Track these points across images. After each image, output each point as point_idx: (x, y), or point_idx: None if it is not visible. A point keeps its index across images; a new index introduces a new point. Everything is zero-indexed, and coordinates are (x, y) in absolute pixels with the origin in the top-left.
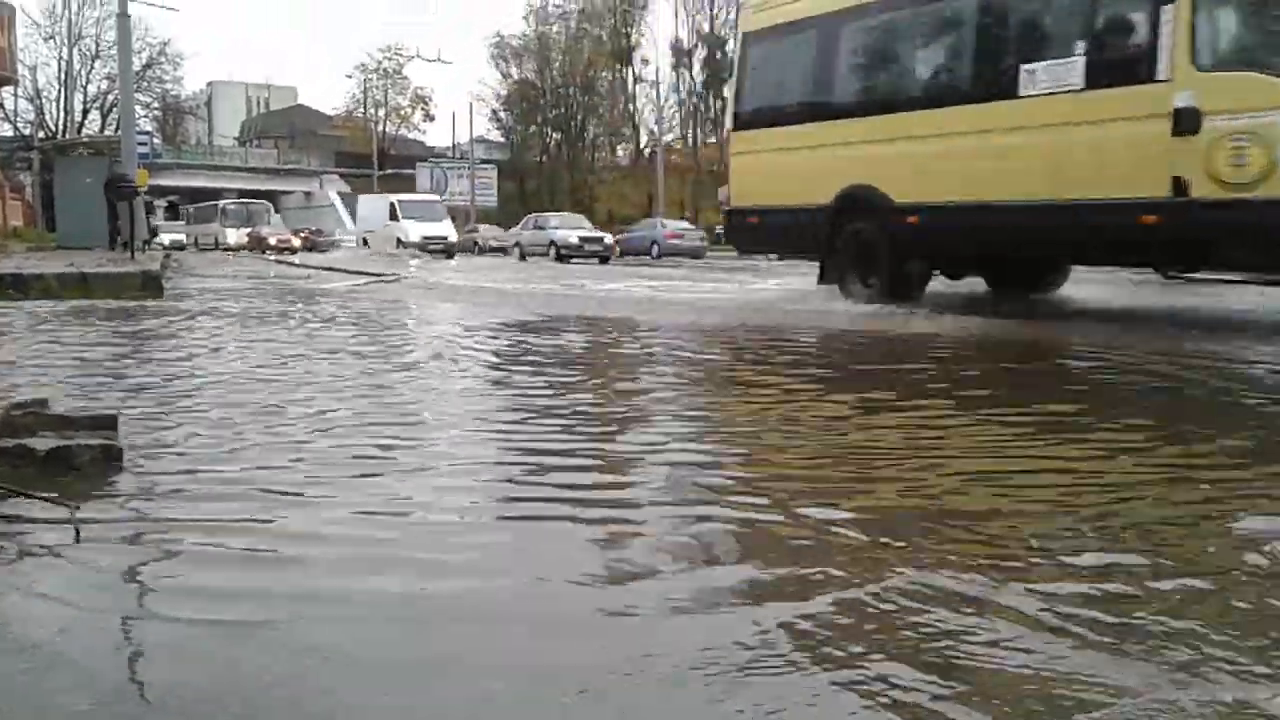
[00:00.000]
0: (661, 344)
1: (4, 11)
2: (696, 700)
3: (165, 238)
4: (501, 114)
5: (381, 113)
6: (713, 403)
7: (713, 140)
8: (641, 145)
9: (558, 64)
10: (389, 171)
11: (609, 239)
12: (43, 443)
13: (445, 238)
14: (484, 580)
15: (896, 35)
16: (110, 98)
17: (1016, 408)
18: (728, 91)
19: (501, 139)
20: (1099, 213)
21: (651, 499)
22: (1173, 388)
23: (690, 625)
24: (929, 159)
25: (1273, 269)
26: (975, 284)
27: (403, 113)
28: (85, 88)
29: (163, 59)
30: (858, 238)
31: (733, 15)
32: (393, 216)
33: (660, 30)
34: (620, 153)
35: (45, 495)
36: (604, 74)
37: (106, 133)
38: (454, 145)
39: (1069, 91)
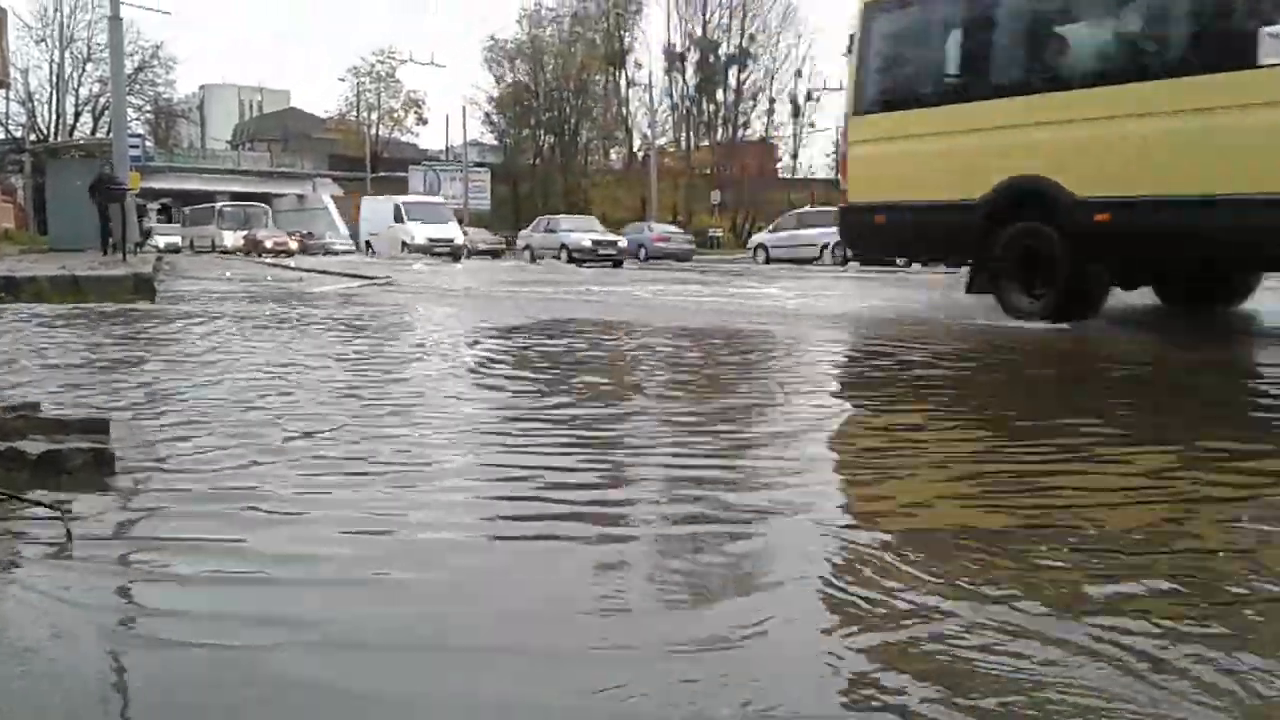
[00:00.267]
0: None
1: None
2: None
3: (160, 240)
4: (495, 117)
5: (374, 116)
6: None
7: (705, 144)
8: (634, 149)
9: (551, 67)
10: (382, 174)
11: (622, 242)
12: (34, 446)
13: (451, 240)
14: (477, 607)
15: None
16: (102, 100)
17: None
18: (846, 69)
19: (495, 142)
20: None
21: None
22: None
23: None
24: (1127, 144)
25: None
26: (1144, 295)
27: (396, 116)
28: (77, 90)
29: (155, 62)
30: (1022, 240)
31: (724, 20)
32: (397, 219)
33: (653, 34)
34: (613, 156)
35: (37, 499)
36: (597, 77)
37: (98, 135)
38: (447, 148)
39: None
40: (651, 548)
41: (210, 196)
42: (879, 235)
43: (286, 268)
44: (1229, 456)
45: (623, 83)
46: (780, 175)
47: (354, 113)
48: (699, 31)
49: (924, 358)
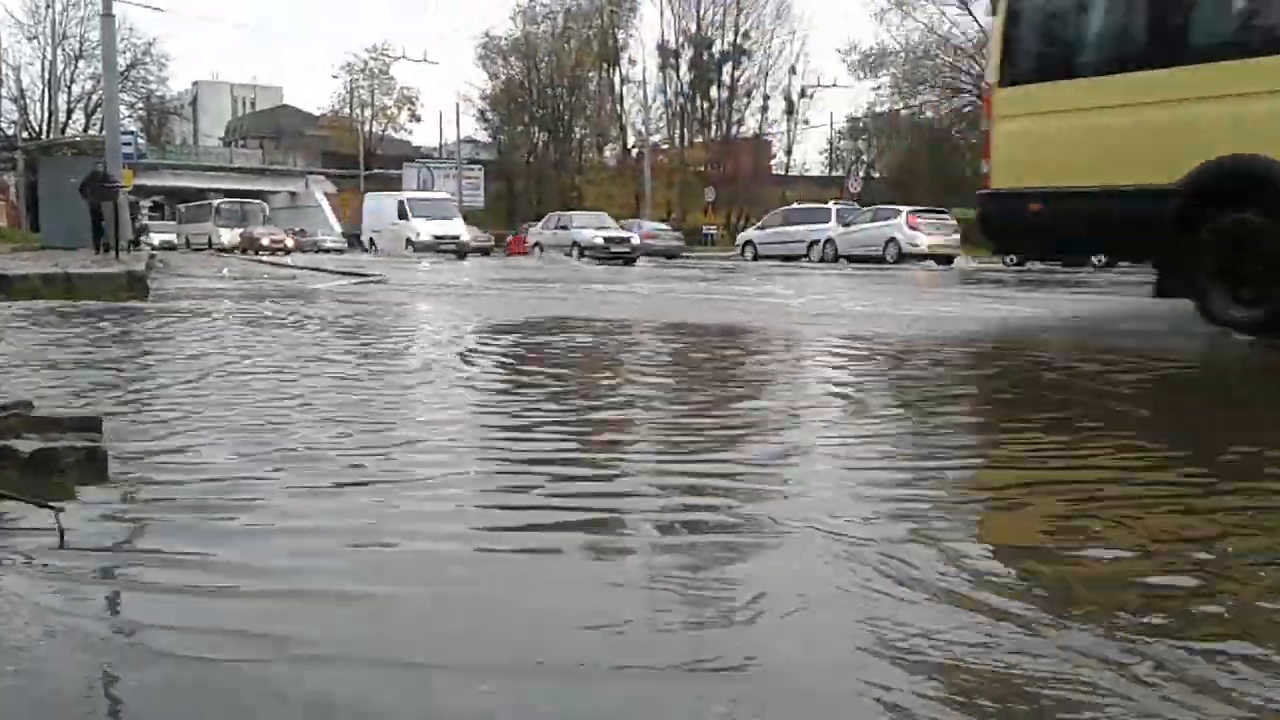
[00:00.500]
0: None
1: None
2: None
3: (155, 238)
4: (488, 114)
5: (368, 113)
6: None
7: (699, 141)
8: (629, 146)
9: (544, 64)
10: (375, 172)
11: (635, 239)
12: (26, 445)
13: (458, 237)
14: (470, 626)
15: None
16: (95, 98)
17: None
18: (993, 34)
19: (489, 139)
20: None
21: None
22: None
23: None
24: None
25: None
26: None
27: (389, 113)
28: (69, 88)
29: (148, 59)
30: (1234, 233)
31: (718, 17)
32: (401, 215)
33: (647, 31)
34: (607, 153)
35: (29, 498)
36: (591, 74)
37: (91, 133)
38: (441, 145)
39: None
40: None
41: (203, 194)
42: (1033, 228)
43: (284, 265)
44: None
45: (617, 80)
46: (775, 172)
47: (347, 110)
48: (693, 28)
49: (1100, 371)
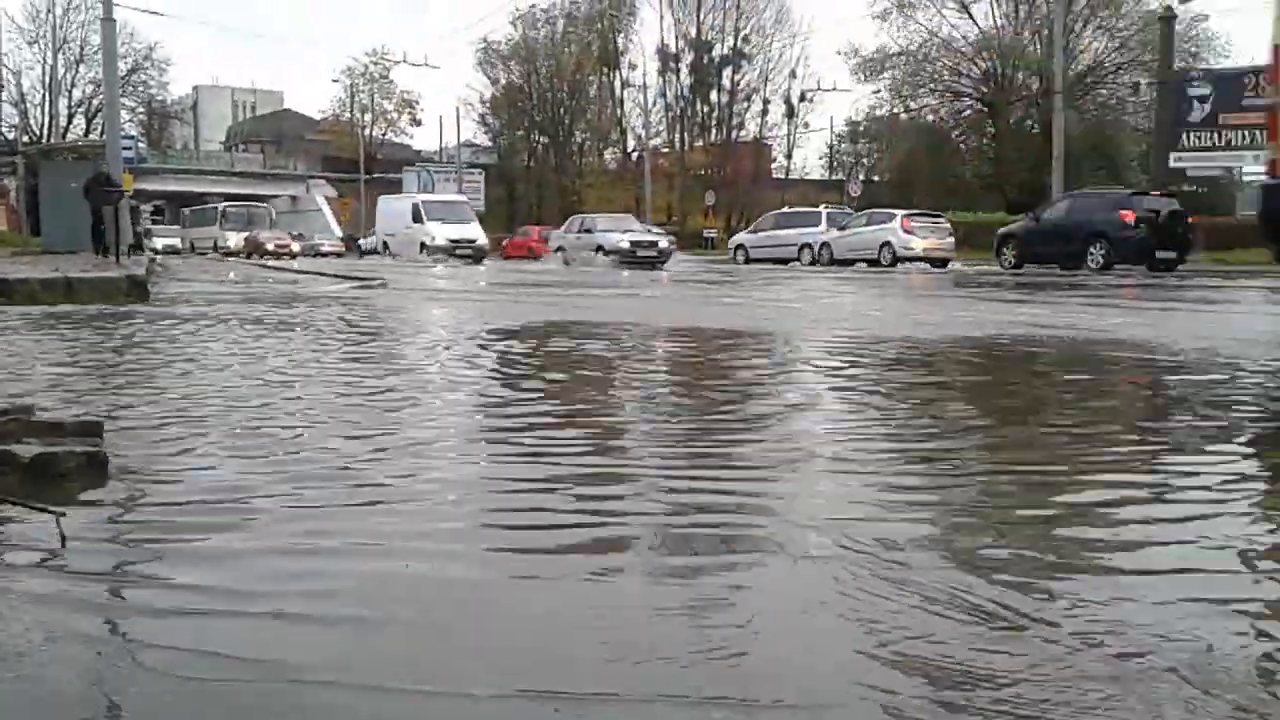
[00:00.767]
0: None
1: None
2: None
3: (158, 242)
4: (489, 118)
5: (368, 117)
6: None
7: (699, 145)
8: (629, 150)
9: (544, 69)
10: (376, 175)
11: (664, 242)
12: (27, 449)
13: (474, 241)
14: (475, 642)
15: None
16: (95, 102)
17: None
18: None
19: (489, 143)
20: None
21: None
22: None
23: None
24: None
25: None
26: None
27: (389, 117)
28: (70, 92)
29: (148, 64)
30: None
31: (718, 21)
32: (416, 219)
33: (647, 35)
34: (608, 157)
35: (31, 503)
36: (591, 79)
37: (92, 137)
38: (441, 150)
39: None
40: None
41: (203, 198)
42: None
43: (288, 270)
44: None
45: (617, 84)
46: (775, 176)
47: (348, 114)
48: (693, 32)
49: None
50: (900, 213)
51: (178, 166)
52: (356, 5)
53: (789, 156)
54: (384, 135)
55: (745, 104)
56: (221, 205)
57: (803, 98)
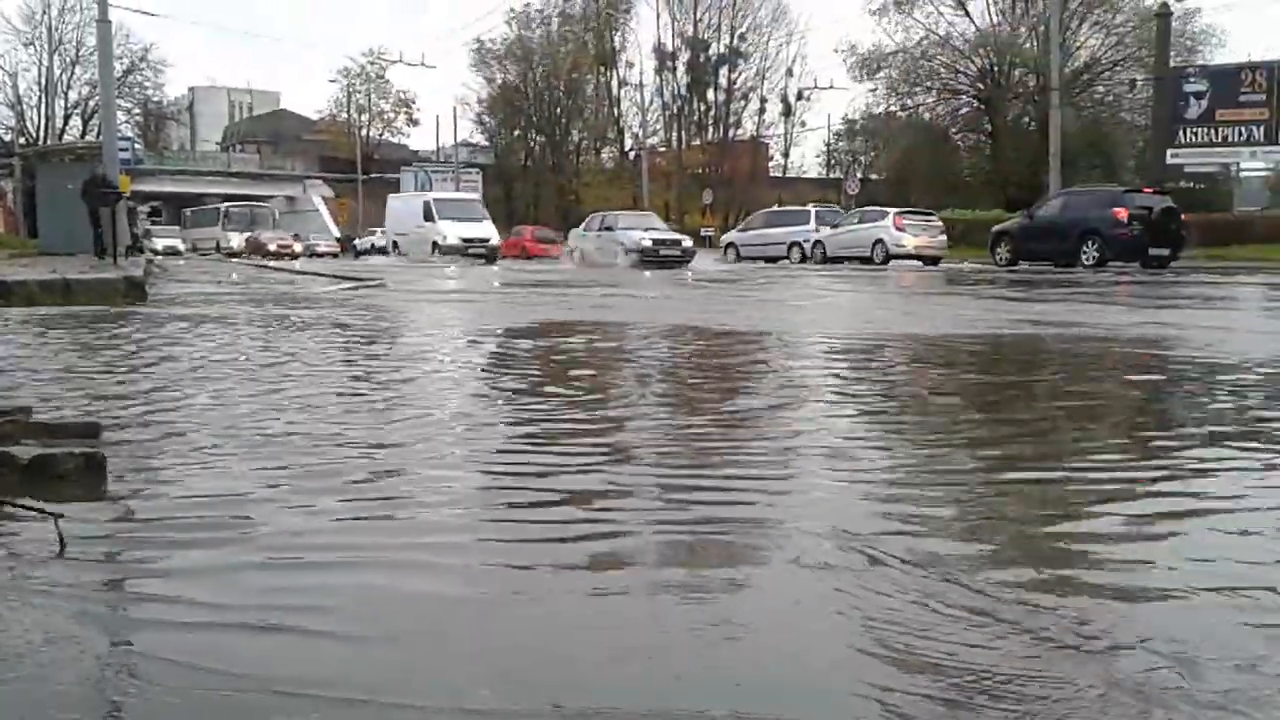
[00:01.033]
0: None
1: None
2: None
3: (158, 243)
4: (485, 118)
5: (365, 117)
6: None
7: (696, 143)
8: (626, 149)
9: (541, 68)
10: (373, 176)
11: (687, 241)
12: (25, 451)
13: (487, 240)
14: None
15: None
16: (91, 103)
17: None
18: None
19: (486, 143)
20: None
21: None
22: None
23: None
24: None
25: None
26: None
27: (386, 117)
28: (66, 94)
29: (144, 64)
30: None
31: (715, 19)
32: (427, 217)
33: (644, 34)
34: (604, 156)
35: (29, 504)
36: (588, 78)
37: (88, 138)
38: (438, 149)
39: None
40: None
41: (200, 199)
42: None
43: (289, 270)
44: None
45: (614, 83)
46: (772, 174)
47: (344, 114)
48: (690, 31)
49: None
50: (892, 211)
51: (174, 167)
52: (353, 5)
53: (786, 155)
54: (381, 135)
55: (742, 102)
56: (224, 205)
57: (800, 96)
